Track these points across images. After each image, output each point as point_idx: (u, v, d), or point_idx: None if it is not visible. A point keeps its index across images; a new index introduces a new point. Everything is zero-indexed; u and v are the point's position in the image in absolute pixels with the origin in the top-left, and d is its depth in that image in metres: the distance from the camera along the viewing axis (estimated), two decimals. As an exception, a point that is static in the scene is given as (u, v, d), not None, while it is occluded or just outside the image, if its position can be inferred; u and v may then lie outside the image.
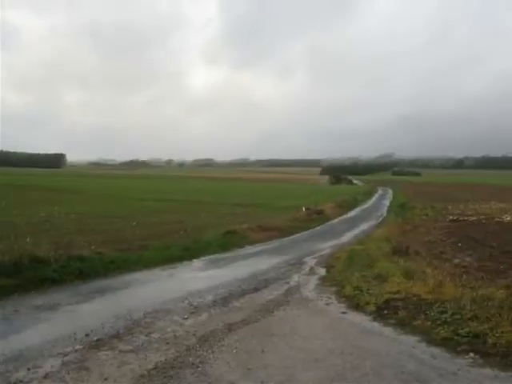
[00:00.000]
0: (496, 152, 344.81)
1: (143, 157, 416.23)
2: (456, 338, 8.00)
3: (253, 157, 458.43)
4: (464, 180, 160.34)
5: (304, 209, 37.16)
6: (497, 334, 7.80)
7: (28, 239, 14.56)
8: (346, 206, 49.72)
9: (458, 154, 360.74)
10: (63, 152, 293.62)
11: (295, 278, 14.07)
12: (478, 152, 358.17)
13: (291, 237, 25.57)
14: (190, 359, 7.18)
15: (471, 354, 7.37)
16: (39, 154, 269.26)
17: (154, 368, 6.81)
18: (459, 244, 20.28)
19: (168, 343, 7.94)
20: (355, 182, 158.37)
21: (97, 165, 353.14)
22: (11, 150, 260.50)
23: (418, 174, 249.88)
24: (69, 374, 6.60)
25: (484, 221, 31.22)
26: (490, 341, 7.67)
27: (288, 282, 13.46)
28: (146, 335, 8.38)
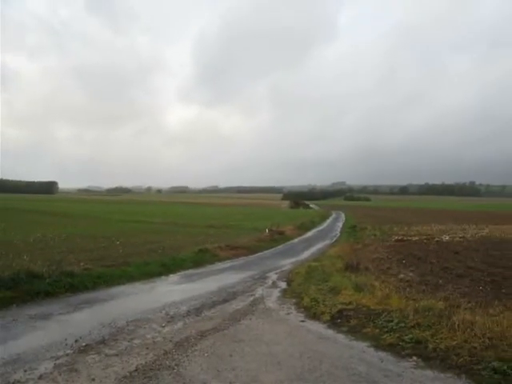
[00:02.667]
0: (436, 180, 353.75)
1: (126, 184, 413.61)
2: (401, 343, 8.09)
3: (222, 184, 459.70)
4: (408, 205, 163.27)
5: (267, 230, 37.15)
6: (437, 340, 7.92)
7: (25, 257, 14.70)
8: (305, 227, 49.93)
9: (402, 181, 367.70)
10: (56, 180, 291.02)
11: (259, 291, 14.09)
12: (420, 180, 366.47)
13: (256, 255, 25.56)
14: (167, 362, 7.20)
15: (414, 358, 7.45)
16: (34, 182, 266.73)
17: (136, 370, 6.83)
18: (404, 261, 20.55)
19: (148, 348, 7.95)
20: (312, 206, 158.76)
21: (86, 191, 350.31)
22: (9, 178, 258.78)
23: (367, 200, 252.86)
24: (60, 375, 6.63)
25: (425, 240, 31.68)
26: (430, 346, 7.78)
27: (253, 295, 13.46)
28: (129, 341, 8.39)
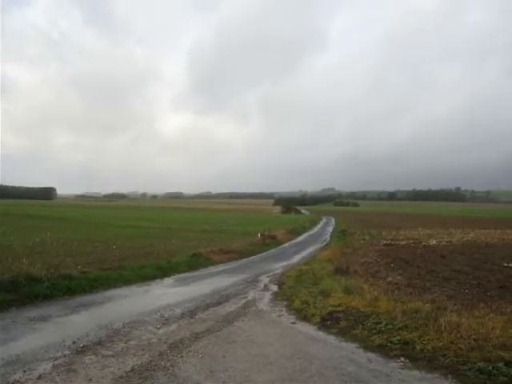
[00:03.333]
0: (423, 186, 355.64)
1: (122, 190, 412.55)
2: (389, 344, 8.10)
3: (215, 190, 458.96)
4: (396, 210, 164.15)
5: (259, 234, 37.11)
6: (424, 341, 7.94)
7: (24, 260, 14.57)
8: (296, 232, 49.95)
9: (390, 187, 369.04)
10: (54, 186, 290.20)
11: (252, 294, 14.06)
12: (407, 186, 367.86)
13: (248, 258, 25.53)
14: (162, 363, 7.19)
15: (402, 359, 7.45)
16: (33, 188, 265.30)
17: (132, 370, 6.82)
18: (392, 264, 20.65)
19: (143, 349, 7.93)
20: (303, 211, 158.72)
21: (83, 197, 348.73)
22: (8, 184, 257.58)
23: (356, 205, 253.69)
24: (59, 375, 6.62)
25: (413, 245, 31.88)
26: (418, 347, 7.79)
27: (246, 297, 13.43)
28: (125, 342, 8.36)
